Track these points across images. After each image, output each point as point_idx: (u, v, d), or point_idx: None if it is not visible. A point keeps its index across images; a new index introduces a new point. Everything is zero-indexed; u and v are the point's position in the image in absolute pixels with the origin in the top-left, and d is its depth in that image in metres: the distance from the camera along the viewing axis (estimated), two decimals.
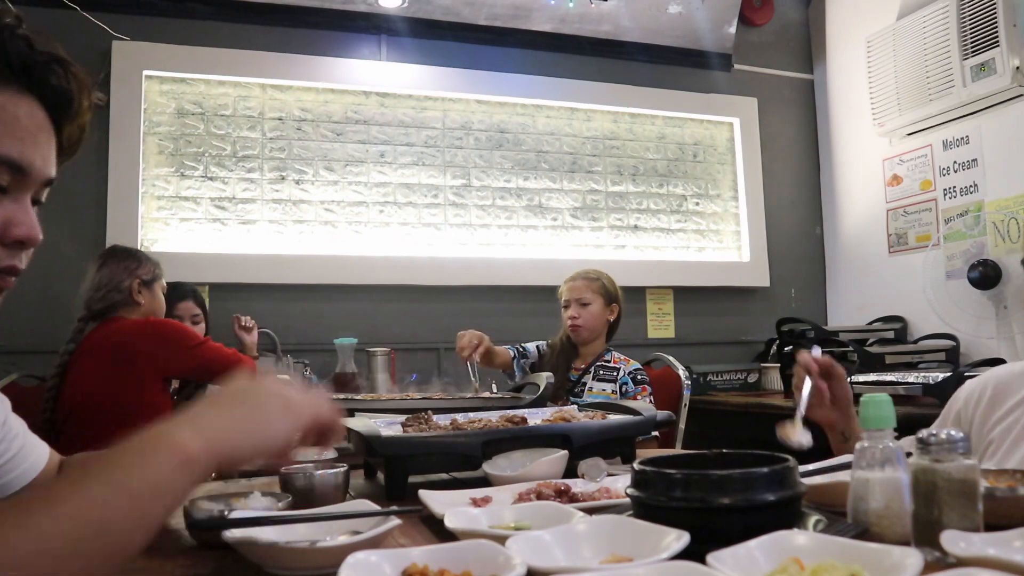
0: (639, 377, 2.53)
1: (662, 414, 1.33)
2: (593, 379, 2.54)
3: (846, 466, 0.85)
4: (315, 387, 0.78)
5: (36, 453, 0.98)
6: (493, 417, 1.31)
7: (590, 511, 0.81)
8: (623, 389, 2.49)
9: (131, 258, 2.31)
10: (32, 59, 0.72)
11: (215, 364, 2.19)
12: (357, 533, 0.76)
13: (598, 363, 2.56)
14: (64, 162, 0.79)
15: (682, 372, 2.82)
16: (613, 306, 2.62)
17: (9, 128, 0.70)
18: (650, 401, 2.45)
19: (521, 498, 0.94)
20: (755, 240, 3.83)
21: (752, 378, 3.53)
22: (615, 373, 2.53)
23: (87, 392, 2.14)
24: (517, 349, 2.66)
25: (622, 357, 2.60)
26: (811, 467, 0.98)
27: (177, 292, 2.61)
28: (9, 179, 0.71)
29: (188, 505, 0.88)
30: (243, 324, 2.83)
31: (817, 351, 1.23)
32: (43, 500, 0.57)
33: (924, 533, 0.68)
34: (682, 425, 2.70)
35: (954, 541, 0.63)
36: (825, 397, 1.19)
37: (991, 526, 0.68)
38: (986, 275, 2.94)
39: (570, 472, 1.12)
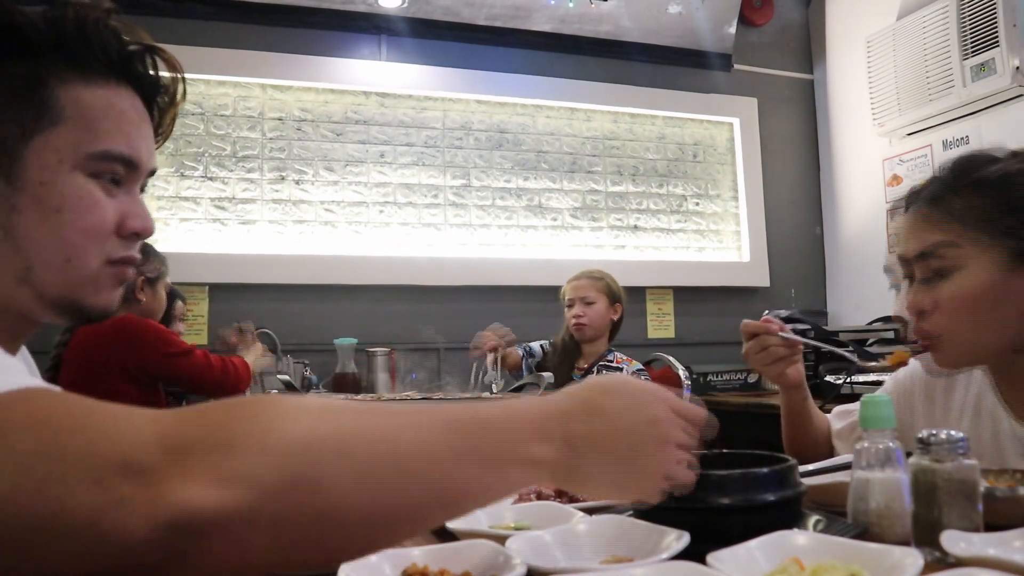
0: (641, 377, 2.53)
1: None
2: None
3: (846, 466, 0.85)
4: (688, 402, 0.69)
5: None
6: None
7: (590, 511, 0.81)
8: None
9: (140, 254, 2.29)
10: (128, 51, 0.73)
11: (195, 378, 2.13)
12: None
13: (601, 363, 2.57)
14: (158, 149, 0.80)
15: (682, 372, 2.82)
16: (616, 306, 2.63)
17: (117, 123, 0.72)
18: None
19: (521, 498, 0.94)
20: (755, 240, 3.83)
21: (752, 378, 3.52)
22: (617, 372, 2.54)
23: (68, 387, 2.12)
24: (525, 349, 2.69)
25: (624, 357, 2.61)
26: (811, 467, 0.98)
27: (172, 293, 2.60)
28: (123, 173, 0.73)
29: None
30: (234, 337, 2.60)
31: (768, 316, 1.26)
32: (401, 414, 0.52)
33: (924, 533, 0.68)
34: None
35: (954, 541, 0.63)
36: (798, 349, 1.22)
37: (991, 526, 0.68)
38: None
39: None
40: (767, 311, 1.27)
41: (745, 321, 1.25)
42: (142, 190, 0.78)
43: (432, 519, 0.56)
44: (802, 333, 3.43)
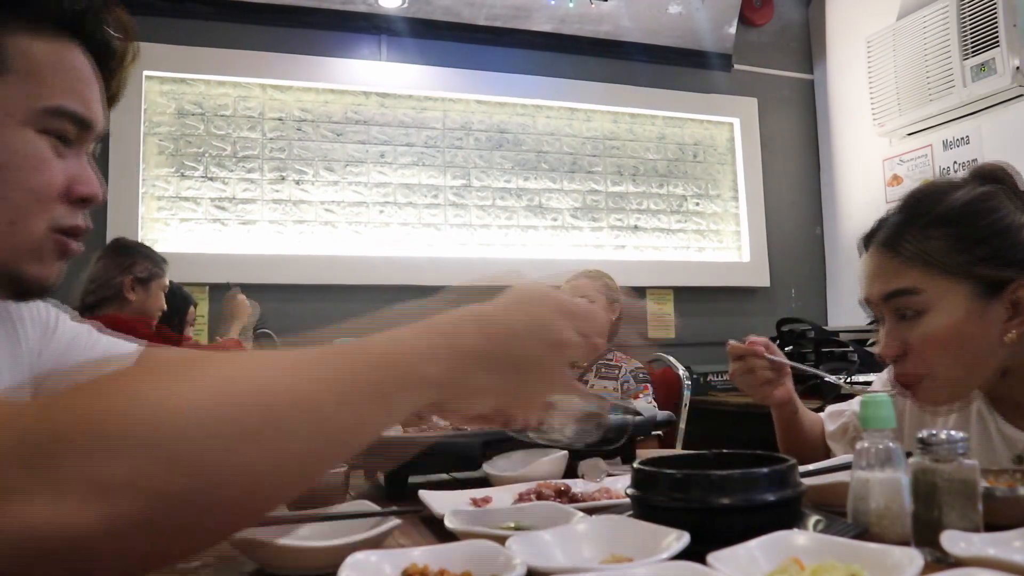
0: (641, 375, 2.53)
1: (662, 414, 1.33)
2: (595, 377, 2.55)
3: (846, 466, 0.85)
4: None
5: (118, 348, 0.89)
6: None
7: (590, 511, 0.81)
8: (624, 387, 2.50)
9: (128, 254, 2.27)
10: (80, 6, 0.69)
11: None
12: (357, 533, 0.76)
13: (600, 361, 2.57)
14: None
15: (682, 372, 2.82)
16: (615, 305, 2.63)
17: (69, 79, 0.68)
18: (652, 400, 2.46)
19: (521, 498, 0.94)
20: (755, 240, 3.84)
21: None
22: (616, 371, 2.54)
23: None
24: None
25: (624, 356, 2.61)
26: (811, 467, 0.98)
27: (186, 298, 2.58)
28: (74, 133, 0.69)
29: None
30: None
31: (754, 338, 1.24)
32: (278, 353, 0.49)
33: (924, 533, 0.68)
34: (682, 425, 2.70)
35: (954, 541, 0.63)
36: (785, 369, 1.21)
37: (991, 526, 0.68)
38: None
39: (570, 472, 1.12)
40: (750, 336, 1.25)
41: (731, 343, 1.24)
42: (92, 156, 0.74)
43: (321, 468, 0.52)
44: (802, 333, 3.42)
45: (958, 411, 1.11)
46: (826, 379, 1.29)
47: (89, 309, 2.20)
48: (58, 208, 0.69)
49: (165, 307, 2.37)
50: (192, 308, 2.67)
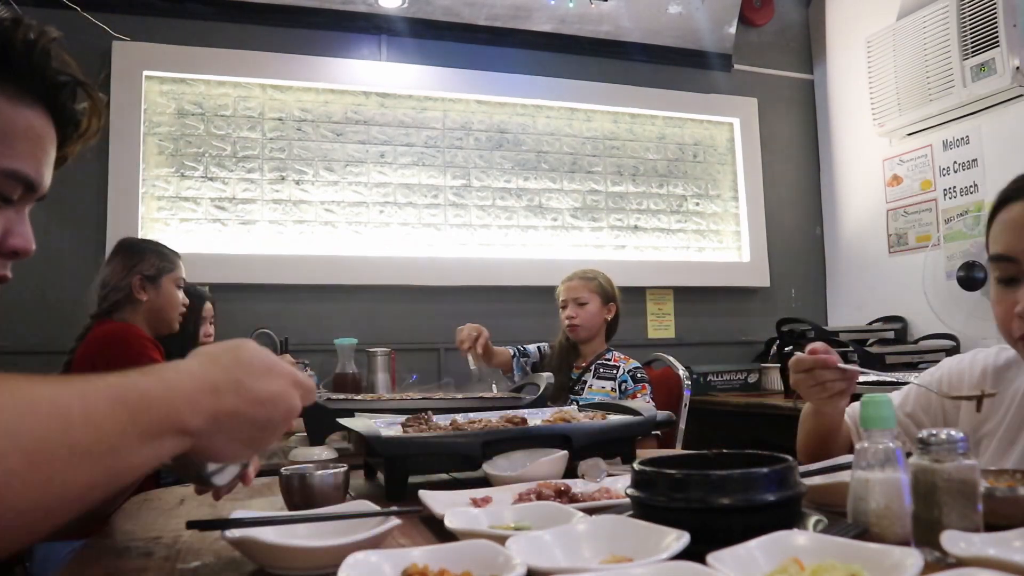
0: (639, 375, 2.53)
1: (662, 414, 1.33)
2: (593, 377, 2.55)
3: (846, 466, 0.85)
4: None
5: None
6: (493, 417, 1.31)
7: (590, 511, 0.81)
8: (622, 387, 2.50)
9: (134, 253, 2.22)
10: (60, 81, 0.74)
11: None
12: (357, 533, 0.76)
13: (598, 362, 2.57)
14: (59, 166, 0.80)
15: (682, 372, 2.82)
16: (610, 305, 2.63)
17: (31, 146, 0.72)
18: (650, 399, 2.46)
19: (521, 498, 0.94)
20: (755, 240, 3.84)
21: (752, 378, 3.53)
22: (615, 371, 2.54)
23: None
24: (518, 349, 2.67)
25: (622, 356, 2.61)
26: (811, 467, 0.98)
27: (200, 295, 2.57)
28: (20, 193, 0.73)
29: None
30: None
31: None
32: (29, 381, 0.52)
33: (924, 533, 0.68)
34: (682, 425, 2.70)
35: (954, 541, 0.63)
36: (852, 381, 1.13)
37: (991, 526, 0.68)
38: (971, 277, 2.94)
39: (570, 472, 1.12)
40: (811, 344, 1.15)
41: (799, 356, 1.14)
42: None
43: (95, 497, 0.54)
44: (801, 333, 3.42)
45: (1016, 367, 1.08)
46: (902, 382, 1.22)
47: (107, 313, 2.18)
48: None
49: (186, 301, 2.31)
50: (208, 304, 2.65)
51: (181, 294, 2.28)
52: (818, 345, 1.14)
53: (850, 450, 1.25)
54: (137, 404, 0.56)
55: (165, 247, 2.30)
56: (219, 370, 0.64)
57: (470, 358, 2.35)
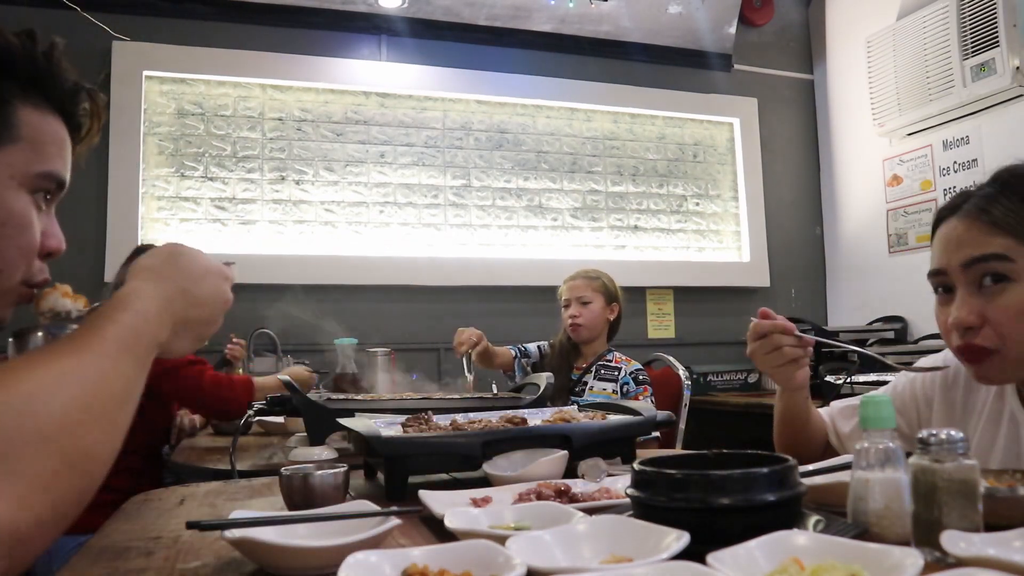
0: (640, 377, 2.52)
1: (662, 414, 1.33)
2: (594, 378, 2.54)
3: (846, 466, 0.85)
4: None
5: None
6: (493, 417, 1.31)
7: (590, 511, 0.81)
8: (624, 389, 2.49)
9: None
10: (69, 88, 0.80)
11: (195, 389, 2.06)
12: (357, 533, 0.76)
13: (599, 363, 2.56)
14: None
15: (682, 372, 2.81)
16: (613, 305, 2.62)
17: (58, 148, 0.79)
18: (651, 402, 2.45)
19: (521, 498, 0.94)
20: (755, 240, 3.84)
21: (752, 378, 3.53)
22: (616, 373, 2.53)
23: None
24: (519, 349, 2.66)
25: (623, 357, 2.60)
26: (811, 467, 0.98)
27: None
28: (53, 193, 0.80)
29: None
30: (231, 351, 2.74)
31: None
32: (72, 343, 0.63)
33: (924, 533, 0.68)
34: (682, 425, 2.70)
35: (954, 541, 0.63)
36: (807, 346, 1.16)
37: (991, 526, 0.68)
38: None
39: (570, 472, 1.12)
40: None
41: (757, 321, 1.20)
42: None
43: (125, 427, 0.65)
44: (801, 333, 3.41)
45: (991, 407, 1.09)
46: (863, 352, 1.24)
47: None
48: (35, 264, 0.79)
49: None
50: None
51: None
52: (768, 311, 1.20)
53: (826, 448, 1.26)
54: (136, 345, 0.67)
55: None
56: (167, 283, 0.75)
57: (464, 363, 2.35)
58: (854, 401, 1.29)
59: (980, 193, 1.03)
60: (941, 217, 1.07)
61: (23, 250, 0.76)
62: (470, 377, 2.27)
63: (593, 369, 2.55)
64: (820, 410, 1.32)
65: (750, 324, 1.19)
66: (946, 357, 1.20)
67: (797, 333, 1.17)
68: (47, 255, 0.80)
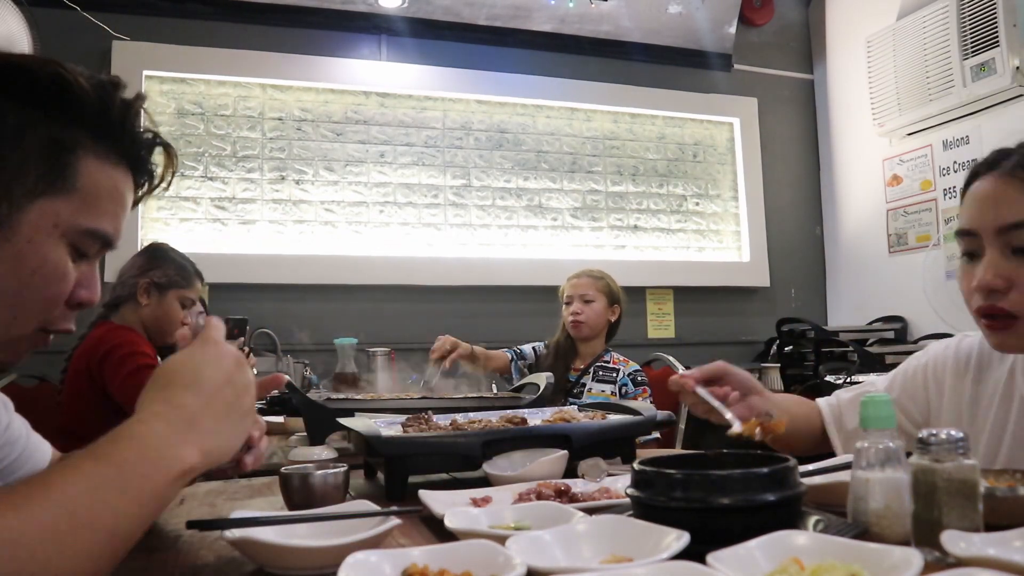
0: (639, 379, 2.51)
1: (662, 414, 1.33)
2: (592, 380, 2.52)
3: (846, 466, 0.85)
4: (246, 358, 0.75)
5: (39, 455, 0.98)
6: (493, 417, 1.31)
7: (590, 511, 0.81)
8: (623, 391, 2.48)
9: (154, 258, 2.21)
10: (146, 141, 0.77)
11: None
12: (357, 533, 0.76)
13: (597, 364, 2.55)
14: None
15: (682, 372, 2.81)
16: (615, 307, 2.61)
17: (114, 205, 0.75)
18: (650, 403, 2.44)
19: (521, 498, 0.94)
20: (755, 240, 3.84)
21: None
22: (614, 374, 2.52)
23: (70, 396, 2.08)
24: (514, 352, 2.65)
25: (621, 358, 2.58)
26: (811, 467, 0.98)
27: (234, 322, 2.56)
28: (97, 251, 0.75)
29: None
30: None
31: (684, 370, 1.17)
32: (40, 484, 0.55)
33: (924, 533, 0.68)
34: (682, 425, 2.70)
35: (954, 541, 0.63)
36: (729, 396, 1.15)
37: (991, 526, 0.68)
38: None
39: (570, 472, 1.12)
40: (682, 368, 1.17)
41: (671, 379, 1.19)
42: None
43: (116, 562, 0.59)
44: (801, 333, 3.42)
45: (998, 358, 1.08)
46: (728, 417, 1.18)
47: (114, 307, 2.18)
48: (56, 311, 0.75)
49: (185, 321, 2.29)
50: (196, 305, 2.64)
51: (183, 313, 2.25)
52: (685, 373, 1.18)
53: (823, 437, 1.24)
54: (121, 482, 0.58)
55: (191, 265, 2.27)
56: (200, 398, 0.66)
57: (434, 369, 2.34)
58: (856, 391, 1.27)
59: (1017, 150, 0.99)
60: (976, 173, 1.02)
61: (49, 301, 0.73)
62: (431, 383, 2.26)
63: (591, 370, 2.54)
64: (818, 400, 1.30)
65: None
66: (958, 345, 1.19)
67: (699, 390, 1.16)
68: (77, 305, 0.76)
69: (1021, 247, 0.95)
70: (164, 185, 0.82)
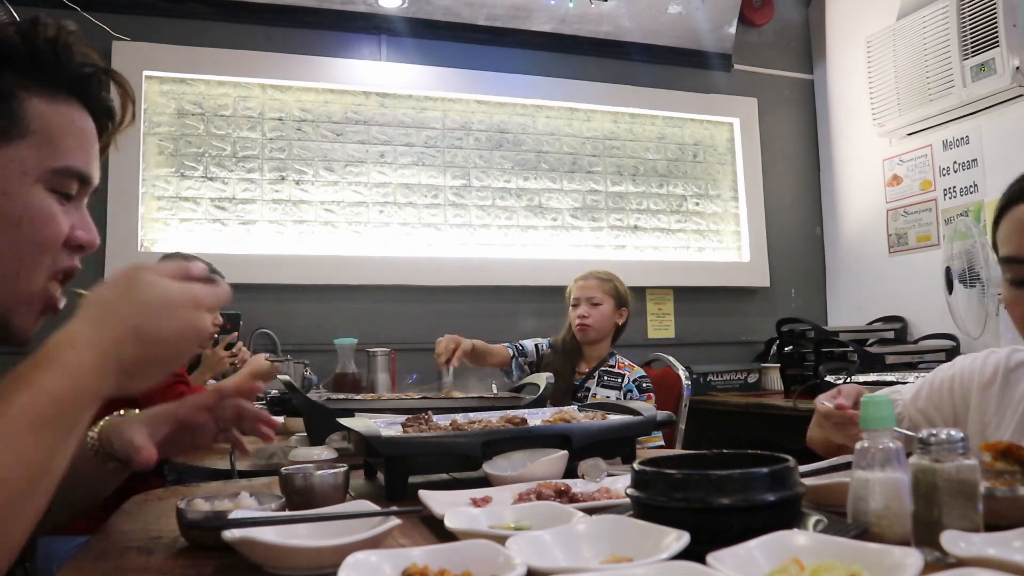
0: (644, 385, 2.49)
1: (662, 414, 1.33)
2: (597, 385, 2.50)
3: (846, 466, 0.85)
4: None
5: None
6: (493, 417, 1.31)
7: (590, 511, 0.81)
8: (627, 397, 2.47)
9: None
10: (87, 72, 0.77)
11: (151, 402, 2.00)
12: (357, 533, 0.76)
13: (603, 368, 2.53)
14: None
15: (682, 372, 2.81)
16: (623, 310, 2.59)
17: (77, 140, 0.75)
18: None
19: (521, 498, 0.94)
20: (755, 240, 3.84)
21: (752, 378, 3.53)
22: (619, 380, 2.50)
23: None
24: (516, 348, 2.63)
25: (626, 362, 2.57)
26: (811, 467, 0.98)
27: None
28: (76, 189, 0.76)
29: (184, 506, 0.88)
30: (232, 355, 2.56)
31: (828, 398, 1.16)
32: None
33: (924, 533, 0.68)
34: (682, 425, 2.70)
35: (954, 541, 0.63)
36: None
37: (991, 526, 0.68)
38: (948, 280, 2.97)
39: (570, 472, 1.12)
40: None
41: (827, 409, 1.14)
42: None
43: (42, 499, 0.59)
44: (801, 333, 3.41)
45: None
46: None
47: None
48: (59, 255, 0.75)
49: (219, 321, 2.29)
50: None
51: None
52: (843, 402, 1.12)
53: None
54: (57, 415, 0.59)
55: (214, 271, 2.24)
56: (116, 322, 0.65)
57: (444, 373, 2.33)
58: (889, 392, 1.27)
59: None
60: (1011, 199, 1.02)
61: (44, 245, 0.73)
62: (448, 379, 2.26)
63: (596, 375, 2.52)
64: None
65: (821, 407, 1.15)
66: (985, 359, 1.20)
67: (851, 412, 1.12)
68: (79, 247, 0.77)
69: None
70: (128, 117, 0.82)
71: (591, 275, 2.60)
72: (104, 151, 0.82)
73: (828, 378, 2.86)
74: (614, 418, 1.32)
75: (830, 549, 0.63)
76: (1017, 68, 2.83)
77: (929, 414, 1.22)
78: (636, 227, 3.73)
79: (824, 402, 1.15)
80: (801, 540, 0.65)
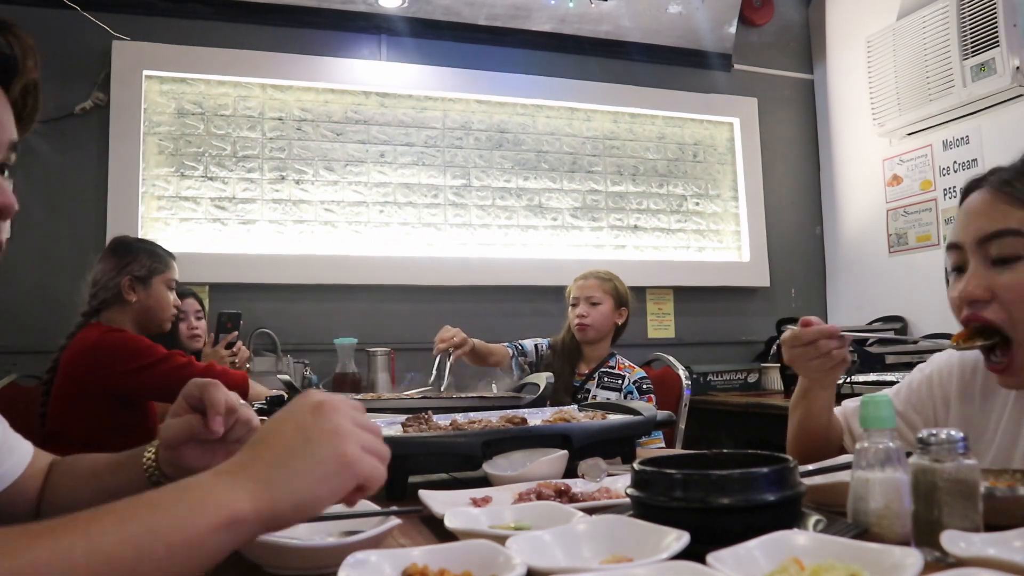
0: (644, 387, 2.49)
1: (662, 414, 1.33)
2: (597, 387, 2.49)
3: (846, 466, 0.85)
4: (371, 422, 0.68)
5: (18, 454, 0.94)
6: (493, 417, 1.31)
7: (590, 511, 0.81)
8: (628, 399, 2.46)
9: (126, 253, 2.18)
10: None
11: (165, 388, 1.97)
12: (357, 533, 0.76)
13: (603, 369, 2.52)
14: (27, 126, 0.78)
15: (682, 372, 2.82)
16: (622, 310, 2.58)
17: None
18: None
19: (521, 498, 0.94)
20: (755, 240, 3.84)
21: (752, 378, 3.53)
22: (620, 381, 2.49)
23: (58, 399, 2.07)
24: (515, 347, 2.63)
25: (627, 363, 2.56)
26: (811, 467, 0.98)
27: (180, 291, 2.56)
28: None
29: None
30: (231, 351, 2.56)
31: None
32: (73, 517, 0.50)
33: (924, 533, 0.68)
34: (682, 425, 2.70)
35: (954, 541, 0.63)
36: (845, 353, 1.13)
37: (991, 526, 0.68)
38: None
39: (570, 472, 1.12)
40: (805, 318, 1.12)
41: (800, 330, 1.13)
42: (6, 166, 0.75)
43: None
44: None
45: (1012, 405, 1.07)
46: (884, 338, 1.18)
47: (95, 313, 2.17)
48: None
49: (177, 303, 2.28)
50: (190, 300, 2.64)
51: (173, 295, 2.25)
52: (811, 318, 1.14)
53: (840, 451, 1.24)
54: (150, 520, 0.52)
55: (159, 248, 2.26)
56: (234, 468, 0.58)
57: (439, 361, 2.26)
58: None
59: (1009, 167, 1.01)
60: (968, 189, 1.05)
61: None
62: (443, 381, 2.19)
63: (596, 376, 2.51)
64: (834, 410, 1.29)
65: (787, 332, 1.14)
66: (962, 357, 1.19)
67: (841, 333, 1.13)
68: None
69: (1000, 257, 0.97)
70: (30, 66, 0.76)
71: (591, 275, 2.59)
72: (26, 110, 0.77)
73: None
74: (614, 418, 1.32)
75: (830, 549, 0.63)
76: (1017, 68, 2.83)
77: (908, 417, 1.19)
78: (636, 227, 3.73)
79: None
80: (801, 540, 0.65)
